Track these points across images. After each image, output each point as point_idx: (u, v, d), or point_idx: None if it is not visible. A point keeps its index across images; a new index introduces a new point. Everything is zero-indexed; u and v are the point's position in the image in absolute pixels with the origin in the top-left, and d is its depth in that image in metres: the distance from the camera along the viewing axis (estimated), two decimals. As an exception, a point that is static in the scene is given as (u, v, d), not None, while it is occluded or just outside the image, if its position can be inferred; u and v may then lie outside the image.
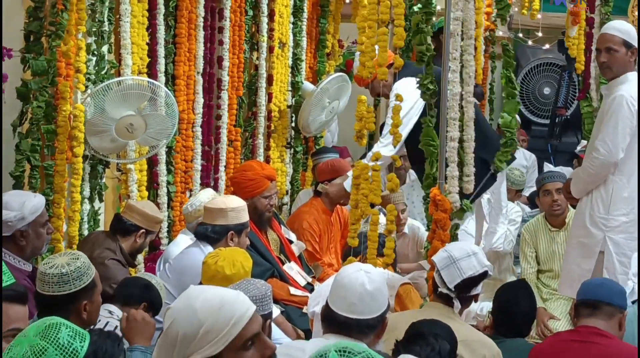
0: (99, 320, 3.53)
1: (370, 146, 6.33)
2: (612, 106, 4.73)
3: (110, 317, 3.69)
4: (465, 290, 3.68)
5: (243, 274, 3.81)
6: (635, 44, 4.79)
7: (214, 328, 2.23)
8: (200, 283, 3.88)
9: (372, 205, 4.45)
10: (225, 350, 2.23)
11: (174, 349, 2.23)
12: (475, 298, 3.82)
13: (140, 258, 5.11)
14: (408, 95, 4.93)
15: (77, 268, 3.24)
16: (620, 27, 4.90)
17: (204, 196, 4.94)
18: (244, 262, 3.87)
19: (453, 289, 3.68)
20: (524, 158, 8.14)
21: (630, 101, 4.68)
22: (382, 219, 4.70)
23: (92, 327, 3.43)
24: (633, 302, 4.65)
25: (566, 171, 7.01)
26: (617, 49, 4.80)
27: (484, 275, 3.75)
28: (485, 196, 5.40)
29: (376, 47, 4.38)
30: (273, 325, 3.73)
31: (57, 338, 2.16)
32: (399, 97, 4.42)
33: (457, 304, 3.69)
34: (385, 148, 4.85)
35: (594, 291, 3.70)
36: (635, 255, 4.73)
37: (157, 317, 3.96)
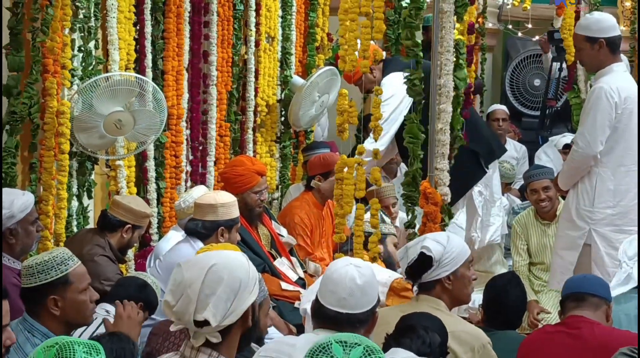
0: (95, 318, 3.52)
1: (358, 140, 6.33)
2: (591, 99, 4.74)
3: (107, 315, 3.68)
4: (415, 277, 3.62)
5: None
6: (602, 35, 4.74)
7: (252, 274, 2.48)
8: None
9: (357, 200, 4.44)
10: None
11: (235, 297, 2.41)
12: (444, 282, 3.56)
13: (130, 254, 5.09)
14: (396, 90, 4.91)
15: (42, 261, 3.17)
16: (581, 24, 4.89)
17: (197, 193, 4.92)
18: None
19: (406, 278, 3.69)
20: (514, 149, 8.15)
21: (609, 93, 4.67)
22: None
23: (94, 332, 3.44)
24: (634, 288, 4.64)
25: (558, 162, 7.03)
26: (582, 46, 4.81)
27: (423, 259, 3.55)
28: (476, 189, 5.40)
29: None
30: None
31: None
32: (378, 91, 4.40)
33: (415, 288, 3.66)
34: (373, 143, 4.84)
35: (578, 285, 3.70)
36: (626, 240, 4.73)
37: (153, 316, 3.96)
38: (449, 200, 4.45)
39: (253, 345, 3.37)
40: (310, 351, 2.10)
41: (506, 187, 6.87)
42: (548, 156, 7.82)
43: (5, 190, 3.98)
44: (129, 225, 4.48)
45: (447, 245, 3.60)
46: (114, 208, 4.52)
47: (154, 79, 5.32)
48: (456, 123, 4.55)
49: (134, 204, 4.52)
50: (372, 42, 4.57)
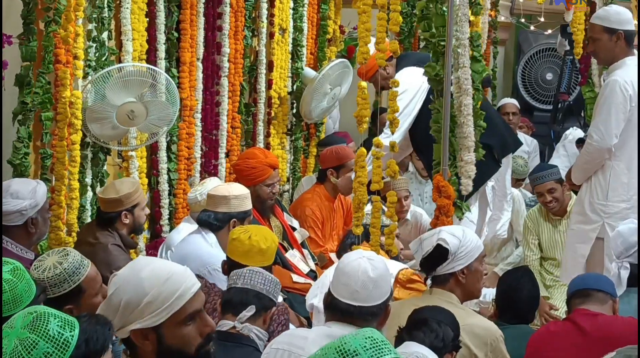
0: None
1: (372, 133, 6.31)
2: (605, 92, 4.72)
3: None
4: (430, 269, 3.63)
5: (274, 248, 3.93)
6: (621, 27, 4.74)
7: (157, 299, 2.28)
8: (225, 261, 3.95)
9: (372, 192, 4.43)
10: (166, 322, 2.29)
11: (116, 315, 2.29)
12: (458, 276, 3.57)
13: (142, 245, 5.09)
14: (409, 85, 4.90)
15: (54, 275, 3.10)
16: (600, 15, 4.87)
17: (210, 186, 4.91)
18: (273, 236, 3.98)
19: (420, 269, 3.70)
20: (526, 143, 8.11)
21: (623, 86, 4.66)
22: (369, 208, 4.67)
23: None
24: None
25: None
26: (599, 37, 4.79)
27: (440, 251, 3.56)
28: (490, 184, 5.37)
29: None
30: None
31: (47, 330, 2.08)
32: (395, 83, 4.39)
33: (429, 282, 3.68)
34: (388, 137, 4.83)
35: (583, 282, 3.72)
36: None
37: None
38: (469, 190, 4.45)
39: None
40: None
41: (517, 182, 6.84)
42: (566, 150, 7.77)
43: (20, 180, 3.99)
44: (124, 211, 4.42)
45: (463, 239, 3.60)
46: (102, 204, 4.44)
47: (167, 71, 5.32)
48: (477, 117, 4.54)
49: (114, 193, 4.42)
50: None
